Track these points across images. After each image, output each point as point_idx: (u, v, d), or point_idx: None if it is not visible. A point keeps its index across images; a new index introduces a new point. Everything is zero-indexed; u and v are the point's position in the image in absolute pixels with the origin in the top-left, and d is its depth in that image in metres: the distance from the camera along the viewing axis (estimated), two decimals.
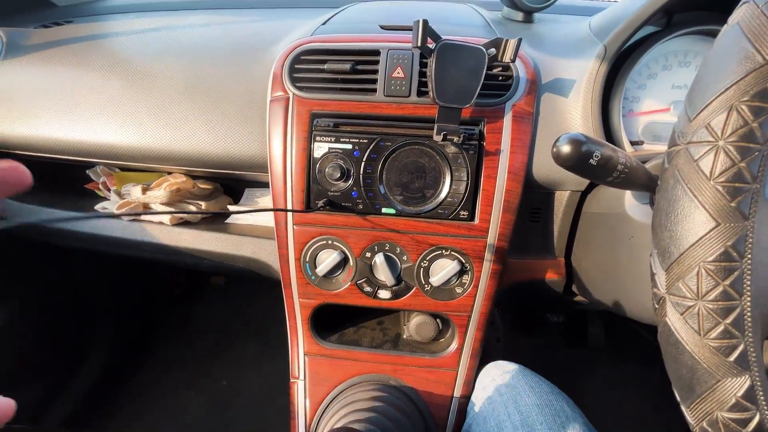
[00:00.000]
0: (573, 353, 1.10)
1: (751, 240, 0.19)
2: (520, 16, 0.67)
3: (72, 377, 0.99)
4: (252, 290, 1.27)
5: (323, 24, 0.59)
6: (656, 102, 0.53)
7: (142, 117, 0.56)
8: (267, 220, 0.65)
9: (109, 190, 0.70)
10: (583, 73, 0.49)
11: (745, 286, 0.19)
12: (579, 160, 0.31)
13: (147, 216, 0.64)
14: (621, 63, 0.51)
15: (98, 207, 0.67)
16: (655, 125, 0.53)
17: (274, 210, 0.52)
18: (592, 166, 0.31)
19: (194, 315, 1.25)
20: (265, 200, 0.68)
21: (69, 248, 0.75)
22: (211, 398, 1.03)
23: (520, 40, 0.43)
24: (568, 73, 0.51)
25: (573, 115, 0.49)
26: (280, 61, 0.52)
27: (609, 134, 0.52)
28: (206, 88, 0.56)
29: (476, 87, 0.44)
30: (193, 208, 0.66)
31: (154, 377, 1.08)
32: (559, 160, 0.31)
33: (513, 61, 0.44)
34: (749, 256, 0.19)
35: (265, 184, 0.58)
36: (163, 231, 0.63)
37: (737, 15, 0.20)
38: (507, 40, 0.43)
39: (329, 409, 0.55)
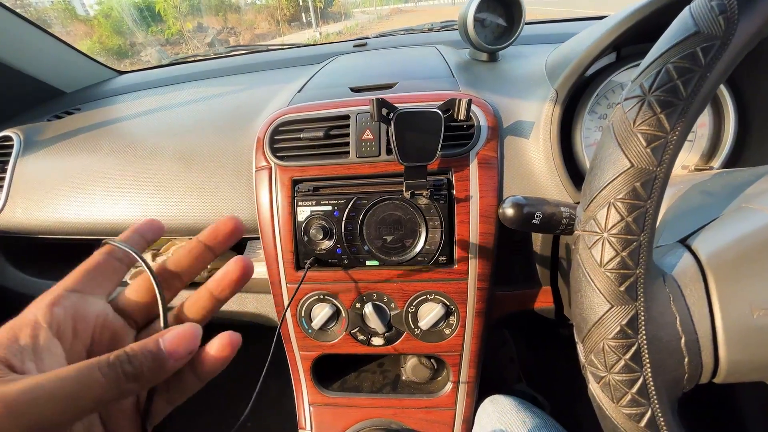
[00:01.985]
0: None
1: (642, 318, 0.21)
2: (484, 56, 0.71)
3: None
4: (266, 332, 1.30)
5: (299, 91, 0.64)
6: None
7: (146, 197, 0.62)
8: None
9: None
10: (540, 116, 0.52)
11: (643, 358, 0.21)
12: (522, 222, 0.33)
13: None
14: (582, 92, 0.54)
15: None
16: None
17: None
18: (536, 225, 0.34)
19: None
20: None
21: None
22: None
23: (470, 101, 0.46)
24: (528, 115, 0.54)
25: (535, 155, 0.52)
26: (261, 133, 0.56)
27: (575, 165, 0.54)
28: (200, 162, 0.61)
29: (437, 145, 0.47)
30: None
31: (182, 423, 1.12)
32: (506, 222, 0.34)
33: (466, 119, 0.47)
34: (643, 332, 0.21)
35: None
36: None
37: (612, 116, 0.23)
38: (459, 101, 0.46)
39: None
